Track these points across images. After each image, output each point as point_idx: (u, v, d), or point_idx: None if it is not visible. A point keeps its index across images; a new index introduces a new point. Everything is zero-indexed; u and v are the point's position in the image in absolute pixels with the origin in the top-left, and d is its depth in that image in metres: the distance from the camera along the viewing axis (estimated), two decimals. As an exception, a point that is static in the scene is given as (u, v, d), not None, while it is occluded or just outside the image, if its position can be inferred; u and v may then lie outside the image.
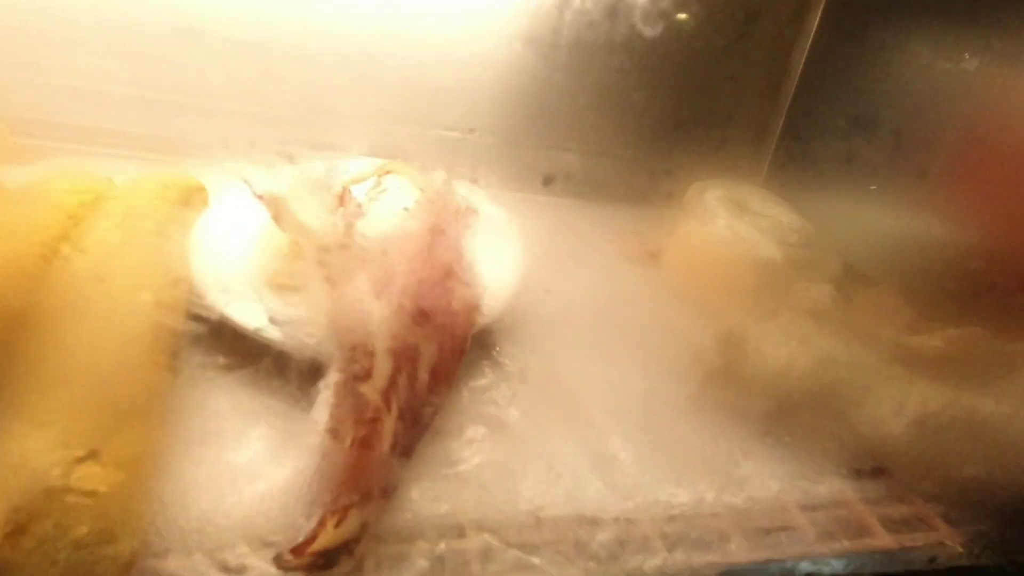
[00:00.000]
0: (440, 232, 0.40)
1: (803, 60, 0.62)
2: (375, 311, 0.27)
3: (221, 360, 0.31)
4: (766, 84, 0.64)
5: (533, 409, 0.33)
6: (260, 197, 0.41)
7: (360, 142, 0.56)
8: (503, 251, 0.44)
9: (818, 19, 0.60)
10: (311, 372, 0.29)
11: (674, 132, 0.63)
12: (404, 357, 0.26)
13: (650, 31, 0.57)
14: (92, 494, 0.18)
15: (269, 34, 0.51)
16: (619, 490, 0.29)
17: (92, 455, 0.19)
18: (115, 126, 0.50)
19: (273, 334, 0.30)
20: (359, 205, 0.41)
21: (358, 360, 0.25)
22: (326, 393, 0.25)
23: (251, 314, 0.31)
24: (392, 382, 0.25)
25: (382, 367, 0.25)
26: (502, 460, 0.29)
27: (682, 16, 0.58)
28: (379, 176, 0.48)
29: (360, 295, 0.28)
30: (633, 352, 0.39)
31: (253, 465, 0.25)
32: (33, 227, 0.30)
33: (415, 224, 0.40)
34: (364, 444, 0.23)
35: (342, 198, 0.42)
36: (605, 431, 0.33)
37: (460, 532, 0.26)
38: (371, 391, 0.24)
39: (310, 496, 0.22)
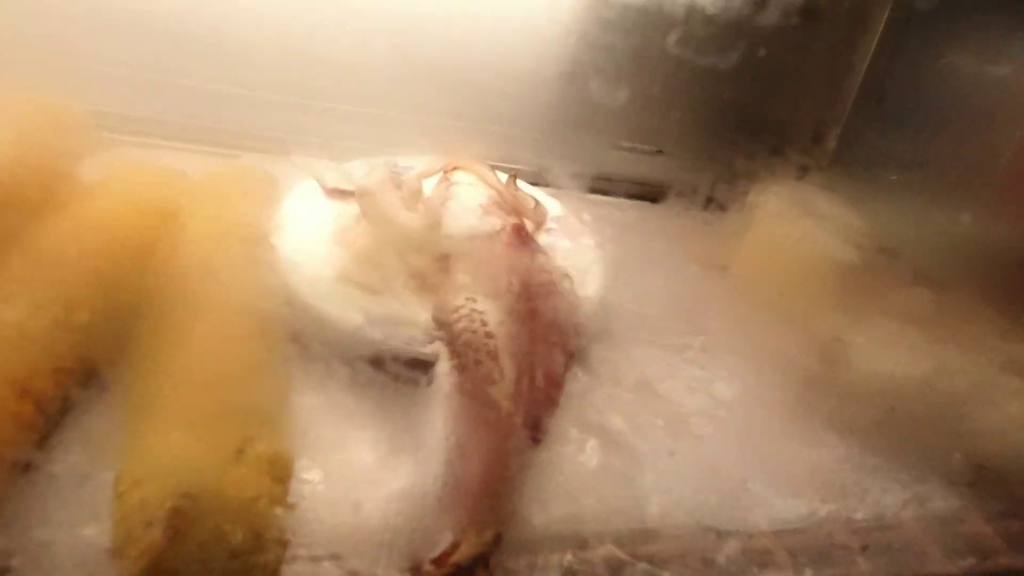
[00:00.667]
0: (522, 230, 0.39)
1: (867, 61, 0.61)
2: (490, 312, 0.26)
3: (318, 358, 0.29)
4: (828, 84, 0.62)
5: (633, 415, 0.32)
6: (352, 193, 0.40)
7: (412, 137, 0.55)
8: (582, 250, 0.43)
9: (885, 16, 0.59)
10: (412, 372, 0.28)
11: (731, 131, 0.62)
12: (524, 360, 0.25)
13: (708, 28, 0.56)
14: (243, 499, 0.17)
15: (318, 25, 0.50)
16: (732, 501, 0.28)
17: (239, 457, 0.18)
18: (163, 116, 0.49)
19: (373, 333, 0.29)
20: (438, 202, 0.40)
21: (483, 363, 0.24)
22: (441, 397, 0.24)
23: (348, 313, 0.30)
24: (518, 387, 0.24)
25: (507, 371, 0.24)
26: (612, 468, 0.28)
27: (742, 14, 0.57)
28: (446, 172, 0.47)
29: (470, 296, 0.27)
30: (721, 358, 0.38)
31: (375, 470, 0.24)
32: (127, 224, 0.29)
33: (496, 222, 0.39)
34: (498, 451, 0.22)
35: (418, 195, 0.41)
36: (707, 439, 0.32)
37: (582, 543, 0.24)
38: (502, 396, 0.23)
39: (443, 505, 0.21)
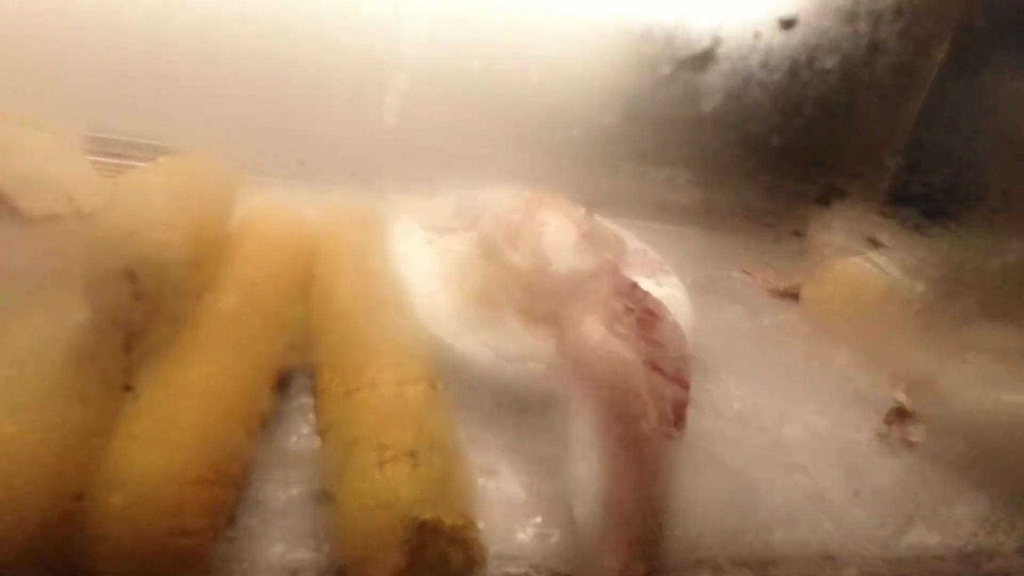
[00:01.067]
0: (615, 267, 0.41)
1: (927, 90, 0.63)
2: (624, 351, 0.28)
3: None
4: (888, 113, 0.64)
5: (737, 445, 0.34)
6: (450, 229, 0.43)
7: (492, 171, 0.57)
8: (664, 282, 0.45)
9: (946, 44, 0.61)
10: (541, 406, 0.30)
11: (793, 162, 0.64)
12: (658, 397, 0.27)
13: (770, 64, 0.58)
14: (454, 524, 0.20)
15: (400, 62, 0.52)
16: (845, 529, 0.30)
17: (445, 487, 0.21)
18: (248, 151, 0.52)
19: (505, 369, 0.32)
20: (534, 239, 0.43)
21: (629, 401, 0.26)
22: (588, 432, 0.26)
23: (479, 350, 0.33)
24: (660, 423, 0.26)
25: (649, 407, 0.26)
26: (728, 494, 0.30)
27: (798, 45, 0.59)
28: (530, 208, 0.49)
29: (602, 334, 0.30)
30: (807, 390, 0.40)
31: (527, 501, 0.27)
32: (285, 270, 0.31)
33: (592, 259, 0.41)
34: (652, 484, 0.24)
35: (518, 233, 0.43)
36: (809, 468, 0.33)
37: (716, 568, 0.27)
38: (649, 431, 0.25)
39: (604, 537, 0.23)
